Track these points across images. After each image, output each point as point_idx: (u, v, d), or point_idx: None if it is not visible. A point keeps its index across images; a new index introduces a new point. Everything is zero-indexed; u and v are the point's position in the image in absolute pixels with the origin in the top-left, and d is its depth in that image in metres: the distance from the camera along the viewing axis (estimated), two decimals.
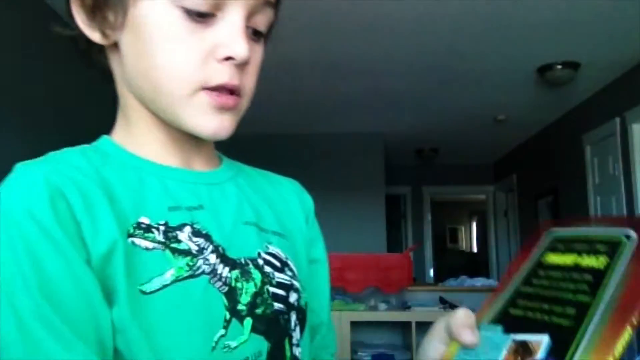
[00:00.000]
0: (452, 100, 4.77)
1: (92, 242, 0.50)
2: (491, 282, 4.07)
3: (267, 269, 0.62)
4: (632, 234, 0.46)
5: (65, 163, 0.55)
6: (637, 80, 3.96)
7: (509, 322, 0.49)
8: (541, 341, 0.44)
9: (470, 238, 11.06)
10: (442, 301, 3.64)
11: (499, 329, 0.49)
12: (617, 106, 4.20)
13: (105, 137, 0.64)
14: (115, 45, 0.60)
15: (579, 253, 0.49)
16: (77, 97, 2.75)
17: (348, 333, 2.29)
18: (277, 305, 0.61)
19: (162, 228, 0.55)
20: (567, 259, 0.50)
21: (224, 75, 0.56)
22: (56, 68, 2.51)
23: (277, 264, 0.63)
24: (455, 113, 5.18)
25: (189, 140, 0.62)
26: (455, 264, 8.97)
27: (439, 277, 6.48)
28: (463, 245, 11.12)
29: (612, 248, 0.47)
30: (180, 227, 0.57)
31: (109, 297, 0.49)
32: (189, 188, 0.61)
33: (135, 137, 0.62)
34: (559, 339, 0.44)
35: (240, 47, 0.56)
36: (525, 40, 3.52)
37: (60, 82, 2.63)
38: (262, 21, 0.60)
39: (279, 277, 0.62)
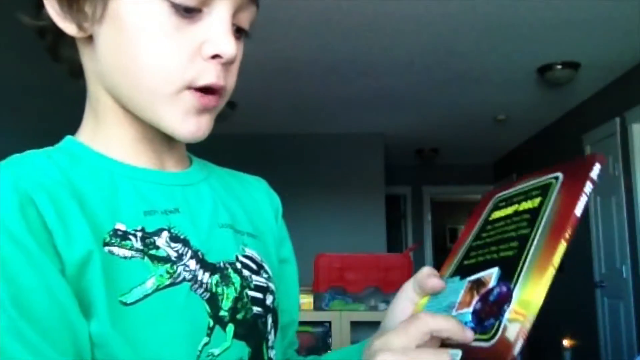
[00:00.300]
0: (452, 100, 4.77)
1: (65, 251, 0.47)
2: None
3: (245, 272, 0.60)
4: (559, 174, 0.53)
5: (32, 167, 0.52)
6: (637, 80, 3.95)
7: (464, 271, 0.54)
8: (492, 273, 0.50)
9: None
10: None
11: (456, 278, 0.54)
12: (617, 106, 4.20)
13: (70, 137, 0.60)
14: (89, 38, 0.56)
15: (518, 203, 0.56)
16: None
17: (348, 333, 2.29)
18: (256, 309, 0.60)
19: (139, 234, 0.53)
20: (508, 210, 0.56)
21: (211, 75, 0.54)
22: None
23: (254, 266, 0.62)
24: (455, 113, 5.17)
25: (162, 139, 0.60)
26: None
27: None
28: None
29: (544, 190, 0.53)
30: (158, 233, 0.54)
31: (86, 310, 0.47)
32: (163, 190, 0.59)
33: (105, 136, 0.59)
34: (507, 267, 0.49)
35: (228, 45, 0.53)
36: (525, 40, 3.52)
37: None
38: (246, 18, 0.58)
39: (256, 280, 0.61)
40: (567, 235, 0.46)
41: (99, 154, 0.58)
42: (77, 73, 0.60)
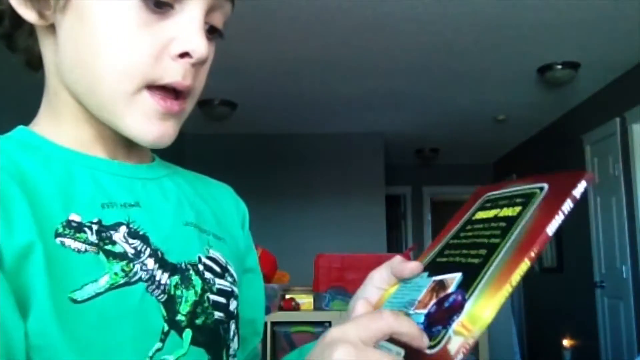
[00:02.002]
0: (452, 100, 4.77)
1: (4, 242, 0.43)
2: None
3: (208, 275, 0.57)
4: (545, 185, 0.52)
5: None
6: (637, 80, 3.95)
7: (434, 268, 0.54)
8: (454, 278, 0.50)
9: None
10: None
11: (425, 274, 0.54)
12: (617, 106, 4.20)
13: (22, 127, 0.55)
14: (51, 27, 0.52)
15: (501, 207, 0.54)
16: None
17: None
18: (218, 314, 0.56)
19: (95, 227, 0.49)
20: (490, 214, 0.55)
21: (177, 74, 0.51)
22: None
23: (218, 269, 0.59)
24: (455, 113, 5.17)
25: (120, 139, 0.56)
26: None
27: None
28: None
29: (527, 199, 0.52)
30: (115, 227, 0.51)
31: (25, 307, 0.43)
32: (123, 183, 0.55)
33: (62, 131, 0.55)
34: (470, 274, 0.49)
35: (198, 43, 0.50)
36: (525, 40, 3.52)
37: None
38: (219, 17, 0.55)
39: (220, 283, 0.58)
40: (532, 254, 0.45)
41: (54, 144, 0.54)
42: (35, 65, 0.57)
